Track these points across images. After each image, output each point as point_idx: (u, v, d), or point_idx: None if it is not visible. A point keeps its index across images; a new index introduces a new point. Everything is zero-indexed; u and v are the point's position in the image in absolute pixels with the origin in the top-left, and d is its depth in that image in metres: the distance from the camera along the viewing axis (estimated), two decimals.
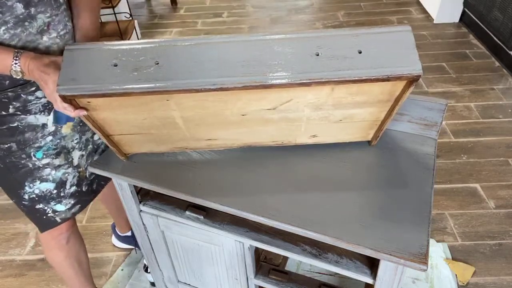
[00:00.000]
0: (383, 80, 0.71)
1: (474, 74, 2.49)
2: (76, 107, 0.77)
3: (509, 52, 2.46)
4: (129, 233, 1.59)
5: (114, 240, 1.65)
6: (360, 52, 0.72)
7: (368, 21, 3.17)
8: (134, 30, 2.65)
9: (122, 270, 1.58)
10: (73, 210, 1.07)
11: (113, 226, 1.63)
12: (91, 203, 1.83)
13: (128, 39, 2.49)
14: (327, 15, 3.33)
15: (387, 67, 0.70)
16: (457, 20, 3.03)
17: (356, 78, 0.70)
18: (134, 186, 0.98)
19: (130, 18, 2.69)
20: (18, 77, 0.82)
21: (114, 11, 2.33)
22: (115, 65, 0.73)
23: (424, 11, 3.23)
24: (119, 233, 1.61)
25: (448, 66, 2.58)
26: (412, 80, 0.72)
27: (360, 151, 0.92)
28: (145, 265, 1.50)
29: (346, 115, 0.83)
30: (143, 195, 1.03)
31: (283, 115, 0.82)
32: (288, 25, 3.23)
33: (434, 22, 3.06)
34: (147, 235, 1.10)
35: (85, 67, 0.74)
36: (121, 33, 2.41)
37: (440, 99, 0.92)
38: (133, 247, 1.63)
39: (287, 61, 0.72)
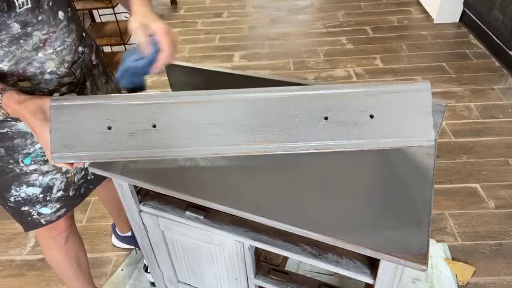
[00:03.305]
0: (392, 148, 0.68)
1: (474, 74, 2.49)
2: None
3: (509, 52, 2.46)
4: (129, 233, 1.59)
5: (114, 240, 1.65)
6: (371, 117, 0.67)
7: (368, 21, 3.17)
8: None
9: (122, 270, 1.58)
10: (58, 214, 1.06)
11: (113, 226, 1.63)
12: (90, 205, 1.84)
13: (128, 39, 2.49)
14: (327, 15, 3.33)
15: (398, 137, 0.66)
16: (457, 20, 3.03)
17: (365, 149, 0.67)
18: (134, 186, 0.98)
19: None
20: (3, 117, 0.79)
21: (114, 11, 2.33)
22: (109, 128, 0.68)
23: (424, 11, 3.24)
24: (119, 233, 1.61)
25: (448, 66, 2.59)
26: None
27: (360, 151, 0.92)
28: (145, 265, 1.50)
29: None
30: (143, 195, 1.03)
31: None
32: (288, 25, 3.24)
33: (434, 22, 3.06)
34: (147, 235, 1.10)
35: (77, 130, 0.68)
36: (121, 33, 2.42)
37: (440, 100, 0.91)
38: (133, 247, 1.63)
39: (294, 126, 0.67)
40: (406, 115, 0.67)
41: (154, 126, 0.68)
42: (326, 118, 0.67)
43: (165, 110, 0.68)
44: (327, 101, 0.67)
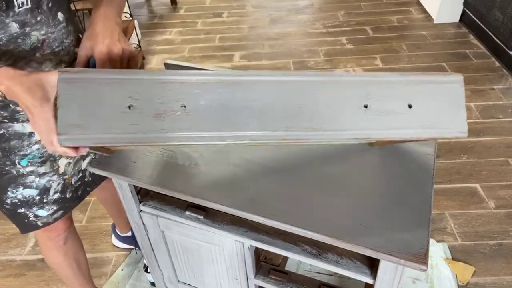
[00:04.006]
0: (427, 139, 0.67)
1: (474, 74, 2.49)
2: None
3: (509, 52, 2.46)
4: (129, 233, 1.59)
5: (114, 240, 1.65)
6: (410, 107, 0.66)
7: (368, 21, 3.17)
8: (134, 30, 2.65)
9: (122, 270, 1.58)
10: (55, 216, 1.05)
11: (113, 226, 1.63)
12: (90, 205, 1.84)
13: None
14: (327, 15, 3.33)
15: (435, 128, 0.66)
16: (457, 20, 3.03)
17: (402, 139, 0.66)
18: (134, 186, 0.98)
19: (130, 18, 2.69)
20: None
21: None
22: (131, 107, 0.60)
23: (424, 11, 3.23)
24: (119, 233, 1.61)
25: (448, 66, 2.58)
26: None
27: (360, 151, 0.92)
28: (145, 265, 1.50)
29: None
30: (143, 195, 1.03)
31: None
32: (287, 25, 3.24)
33: (434, 22, 3.06)
34: (147, 235, 1.10)
35: (91, 108, 0.59)
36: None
37: None
38: (133, 247, 1.63)
39: (334, 113, 0.64)
40: (441, 106, 0.67)
41: (184, 106, 0.61)
42: (366, 106, 0.65)
43: (197, 89, 0.61)
44: (367, 87, 0.65)
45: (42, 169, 0.97)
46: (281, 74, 0.64)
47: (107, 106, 0.59)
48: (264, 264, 1.06)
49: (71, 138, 0.59)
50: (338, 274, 1.24)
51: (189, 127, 0.61)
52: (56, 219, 1.06)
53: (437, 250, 1.54)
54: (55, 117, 0.62)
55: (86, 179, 1.09)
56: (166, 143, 0.61)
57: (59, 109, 0.59)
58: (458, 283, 1.44)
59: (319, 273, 1.47)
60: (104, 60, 0.75)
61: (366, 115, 0.65)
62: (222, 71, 0.64)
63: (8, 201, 0.99)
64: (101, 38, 0.75)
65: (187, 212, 0.97)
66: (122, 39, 0.77)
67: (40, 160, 0.96)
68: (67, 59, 0.92)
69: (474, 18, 2.84)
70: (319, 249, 0.89)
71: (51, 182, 1.00)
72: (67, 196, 1.05)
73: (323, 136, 0.65)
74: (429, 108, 0.67)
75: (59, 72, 0.59)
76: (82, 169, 1.07)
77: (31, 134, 0.93)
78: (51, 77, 0.64)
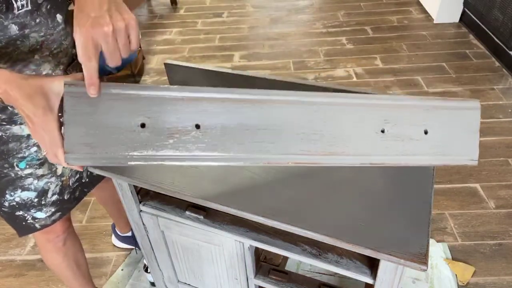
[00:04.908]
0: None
1: (474, 74, 2.49)
2: None
3: (509, 52, 2.46)
4: (129, 233, 1.59)
5: (114, 240, 1.65)
6: (426, 133, 0.65)
7: (368, 21, 3.17)
8: None
9: (122, 270, 1.58)
10: (53, 218, 1.04)
11: (113, 226, 1.63)
12: (90, 205, 1.84)
13: None
14: (327, 15, 3.33)
15: (448, 155, 0.66)
16: (457, 20, 3.03)
17: (416, 165, 0.66)
18: (134, 186, 0.98)
19: None
20: None
21: None
22: (143, 126, 0.56)
23: (424, 11, 3.23)
24: (119, 233, 1.61)
25: (448, 66, 2.58)
26: None
27: None
28: (145, 265, 1.50)
29: None
30: (143, 195, 1.03)
31: None
32: (287, 25, 3.24)
33: (434, 22, 3.06)
34: (147, 235, 1.10)
35: (100, 125, 0.55)
36: None
37: None
38: (133, 247, 1.63)
39: (351, 137, 0.63)
40: (456, 132, 0.66)
41: (198, 127, 0.58)
42: (382, 131, 0.64)
43: (210, 107, 0.58)
44: (386, 111, 0.64)
45: (40, 171, 0.97)
46: (302, 95, 0.62)
47: (117, 124, 0.56)
48: (264, 264, 1.06)
49: (79, 157, 0.56)
50: (338, 274, 1.24)
51: (204, 148, 0.58)
52: (54, 221, 1.06)
53: (437, 250, 1.54)
54: (60, 128, 0.58)
55: (83, 180, 1.09)
56: (180, 163, 0.59)
57: (66, 126, 0.55)
58: (458, 283, 1.44)
59: (319, 273, 1.47)
60: (87, 44, 0.54)
61: (383, 140, 0.64)
62: (240, 90, 0.60)
63: (6, 204, 0.98)
64: (86, 12, 0.55)
65: (187, 212, 0.97)
66: (115, 9, 0.56)
67: (38, 162, 0.96)
68: (65, 61, 0.92)
69: (474, 18, 2.84)
70: (319, 249, 0.89)
71: (49, 184, 1.00)
72: (65, 197, 1.05)
73: (340, 161, 0.64)
74: (444, 134, 0.66)
75: (65, 85, 0.55)
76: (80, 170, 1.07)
77: (29, 136, 0.93)
78: (54, 84, 0.58)
